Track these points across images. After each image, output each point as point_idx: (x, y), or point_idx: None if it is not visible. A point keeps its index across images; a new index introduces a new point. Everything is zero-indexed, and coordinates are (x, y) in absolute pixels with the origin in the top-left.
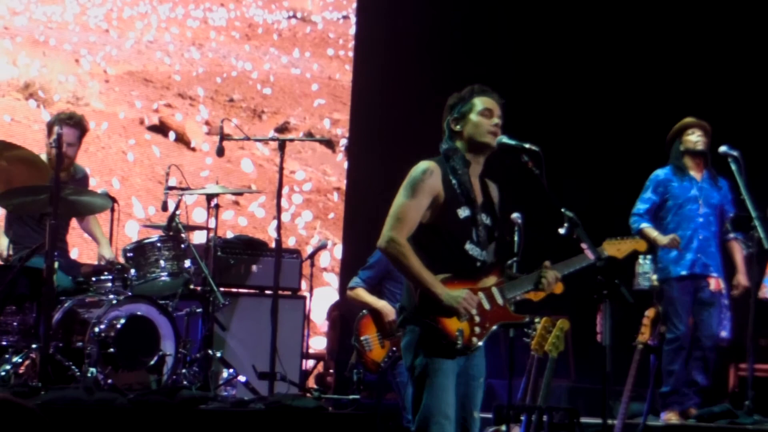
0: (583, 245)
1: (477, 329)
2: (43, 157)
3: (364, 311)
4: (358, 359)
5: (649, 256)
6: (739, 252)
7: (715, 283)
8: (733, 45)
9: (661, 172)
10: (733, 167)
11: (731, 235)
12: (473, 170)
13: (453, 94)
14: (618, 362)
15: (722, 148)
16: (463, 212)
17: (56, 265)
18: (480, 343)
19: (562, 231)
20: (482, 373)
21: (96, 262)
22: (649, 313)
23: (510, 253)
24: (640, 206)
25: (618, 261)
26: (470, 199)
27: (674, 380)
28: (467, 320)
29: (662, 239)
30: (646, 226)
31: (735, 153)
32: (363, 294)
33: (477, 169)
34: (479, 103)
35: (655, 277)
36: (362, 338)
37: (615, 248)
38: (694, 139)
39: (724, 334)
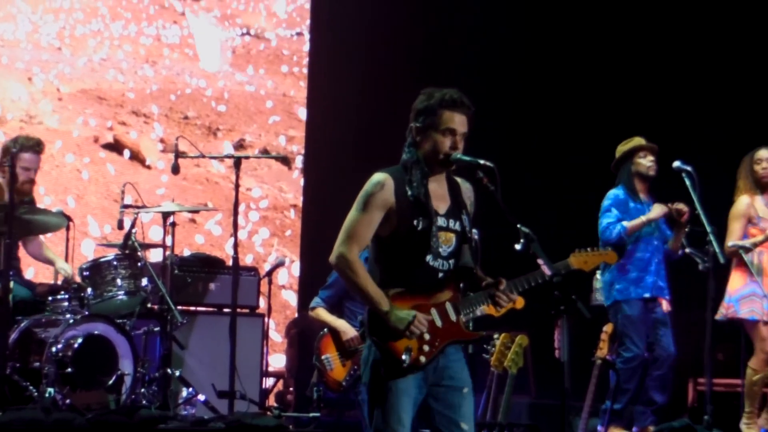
0: (540, 261)
1: (426, 347)
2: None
3: (324, 330)
4: (320, 378)
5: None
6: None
7: (666, 305)
8: (679, 58)
9: (620, 192)
10: (687, 182)
11: (687, 250)
12: (436, 179)
13: (423, 94)
14: (577, 378)
15: (676, 164)
16: (420, 224)
17: (11, 282)
18: (428, 360)
19: (518, 247)
20: (465, 383)
21: (55, 281)
22: (607, 328)
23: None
24: (609, 219)
25: (583, 275)
26: (426, 210)
27: (628, 398)
28: (416, 338)
29: (652, 213)
30: (627, 222)
31: (688, 168)
32: (323, 314)
33: (440, 176)
34: (444, 119)
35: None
36: (323, 357)
37: (582, 261)
38: (647, 163)
39: (672, 350)
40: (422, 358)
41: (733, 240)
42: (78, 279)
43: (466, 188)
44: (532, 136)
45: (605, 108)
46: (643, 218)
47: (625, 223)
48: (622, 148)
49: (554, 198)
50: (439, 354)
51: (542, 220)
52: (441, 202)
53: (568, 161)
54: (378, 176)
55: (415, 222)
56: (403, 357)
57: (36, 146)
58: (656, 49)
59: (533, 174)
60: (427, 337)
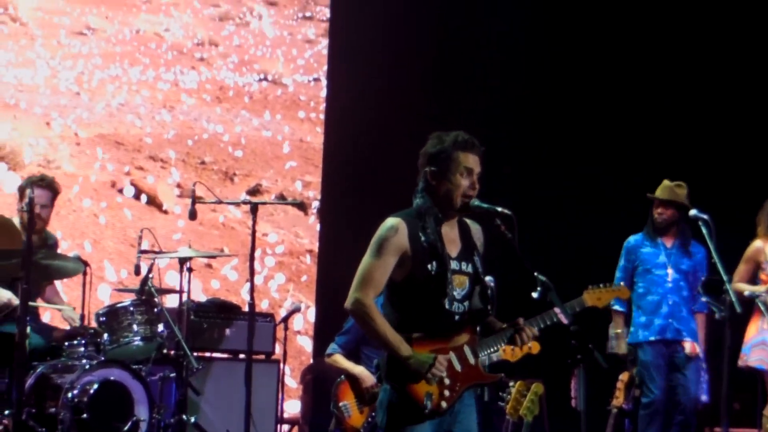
0: (557, 310)
1: (446, 392)
2: (16, 221)
3: (341, 377)
4: (337, 425)
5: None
6: (702, 326)
7: (690, 346)
8: (713, 108)
9: (632, 239)
10: (704, 230)
11: (703, 299)
12: (447, 222)
13: (433, 138)
14: (593, 426)
15: (692, 212)
16: (433, 267)
17: (28, 328)
18: (449, 406)
19: (535, 295)
20: (473, 430)
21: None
22: (623, 377)
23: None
24: (618, 275)
25: (599, 318)
26: (438, 254)
27: None
28: (436, 383)
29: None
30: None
31: (705, 216)
32: (340, 360)
33: (452, 222)
34: (460, 160)
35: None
36: (341, 404)
37: (595, 297)
38: (655, 215)
39: (704, 398)
40: (443, 404)
41: (736, 281)
42: (94, 324)
43: (475, 229)
44: (549, 167)
45: (624, 146)
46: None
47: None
48: (655, 194)
49: (568, 233)
50: (458, 398)
51: (556, 256)
52: (453, 246)
53: (581, 194)
54: (391, 221)
55: (429, 266)
56: (425, 402)
57: (40, 181)
58: (679, 92)
59: (546, 208)
60: (447, 381)
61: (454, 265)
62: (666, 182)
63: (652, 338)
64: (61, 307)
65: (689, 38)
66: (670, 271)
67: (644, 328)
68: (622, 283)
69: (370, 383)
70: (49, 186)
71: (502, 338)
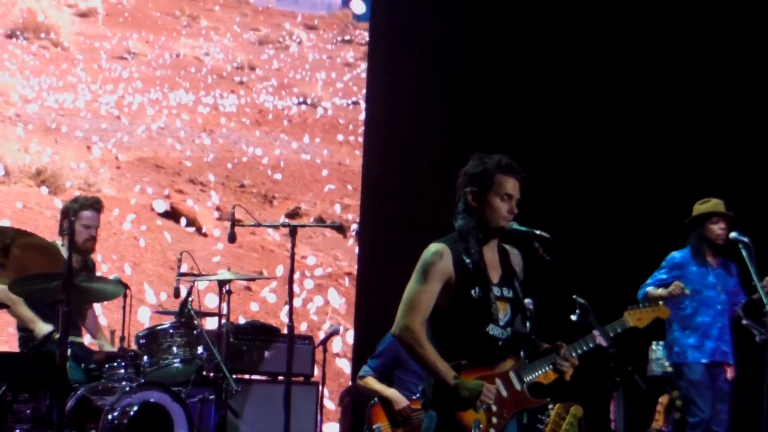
0: (596, 332)
1: (494, 419)
2: (59, 242)
3: (374, 399)
4: None
5: (662, 342)
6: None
7: (731, 372)
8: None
9: (678, 255)
10: (744, 253)
11: (744, 322)
12: (488, 247)
13: (475, 159)
14: None
15: (732, 234)
16: (476, 292)
17: (68, 353)
18: None
19: (573, 317)
20: None
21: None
22: (663, 399)
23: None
24: (648, 281)
25: (638, 339)
26: (483, 278)
27: None
28: (484, 410)
29: (666, 292)
30: (650, 289)
31: (745, 239)
32: (373, 382)
33: (493, 244)
34: (501, 184)
35: (668, 363)
36: (374, 426)
37: (636, 318)
38: (717, 231)
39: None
40: (492, 431)
41: None
42: (134, 347)
43: (514, 255)
44: (588, 188)
45: (663, 165)
46: (658, 293)
47: (648, 289)
48: (698, 208)
49: (606, 255)
50: (506, 425)
51: (594, 278)
52: (494, 271)
53: (617, 215)
54: (436, 246)
55: (472, 292)
56: (474, 430)
57: (95, 204)
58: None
59: (584, 231)
60: (494, 408)
61: (495, 290)
62: (714, 199)
63: (704, 360)
64: (99, 343)
65: (725, 57)
66: (719, 292)
67: (695, 349)
68: (661, 303)
69: (403, 405)
70: (101, 209)
71: (547, 363)
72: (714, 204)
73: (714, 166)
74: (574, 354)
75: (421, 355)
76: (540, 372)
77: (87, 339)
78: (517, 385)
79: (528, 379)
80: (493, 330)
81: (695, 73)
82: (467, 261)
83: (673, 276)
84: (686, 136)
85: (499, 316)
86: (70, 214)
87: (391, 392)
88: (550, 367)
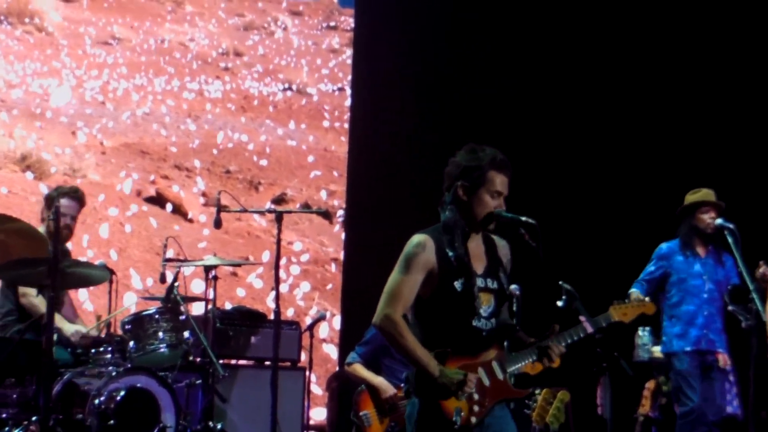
0: (582, 318)
1: (476, 407)
2: (41, 229)
3: (362, 386)
4: None
5: (648, 328)
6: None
7: (723, 359)
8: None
9: (665, 246)
10: (730, 240)
11: (730, 308)
12: (473, 238)
13: (468, 151)
14: None
15: (718, 221)
16: (460, 284)
17: (54, 338)
18: (478, 421)
19: (560, 303)
20: None
21: (98, 335)
22: (650, 385)
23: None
24: (640, 278)
25: (624, 328)
26: (466, 270)
27: None
28: (466, 398)
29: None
30: (633, 291)
31: (731, 226)
32: (360, 370)
33: (477, 236)
34: (493, 180)
35: (656, 348)
36: (361, 414)
37: (621, 313)
38: (708, 220)
39: (730, 409)
40: (473, 419)
41: None
42: (120, 332)
43: (501, 245)
44: (577, 173)
45: (646, 156)
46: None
47: (631, 291)
48: (689, 198)
49: (593, 242)
50: (488, 414)
51: (580, 265)
52: (478, 262)
53: (604, 202)
54: (418, 237)
55: (455, 284)
56: (454, 418)
57: (73, 193)
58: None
59: (570, 218)
60: (476, 397)
61: (479, 282)
62: (705, 189)
63: (687, 348)
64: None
65: (711, 47)
66: (705, 281)
67: (679, 338)
68: (647, 299)
69: (390, 394)
70: (79, 199)
71: (530, 354)
72: (704, 194)
73: (703, 155)
74: (562, 344)
75: (401, 345)
76: (524, 362)
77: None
78: (500, 375)
79: (511, 369)
80: (476, 321)
81: (685, 63)
82: (450, 254)
83: (660, 267)
84: (675, 125)
85: (483, 307)
86: (50, 202)
87: (379, 381)
88: (535, 357)
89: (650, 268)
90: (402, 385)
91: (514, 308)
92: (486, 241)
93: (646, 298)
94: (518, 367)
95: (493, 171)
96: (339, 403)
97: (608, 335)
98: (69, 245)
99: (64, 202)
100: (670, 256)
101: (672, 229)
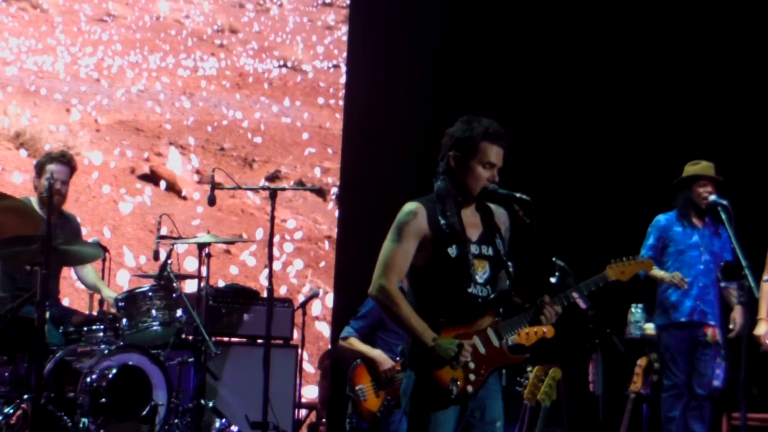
0: (575, 294)
1: (472, 376)
2: (33, 200)
3: (357, 360)
4: (354, 409)
5: (641, 305)
6: (733, 297)
7: (712, 332)
8: (733, 90)
9: (662, 218)
10: (723, 216)
11: (722, 284)
12: (468, 207)
13: (463, 122)
14: (610, 411)
15: (712, 197)
16: (453, 251)
17: (47, 315)
18: (474, 390)
19: (553, 280)
20: (499, 417)
21: (90, 311)
22: (641, 362)
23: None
24: (643, 252)
25: (618, 292)
26: (459, 237)
27: (675, 427)
28: (461, 367)
29: (668, 276)
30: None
31: (724, 202)
32: (356, 343)
33: (472, 207)
34: (485, 151)
35: (648, 325)
36: (357, 388)
37: (618, 271)
38: (703, 194)
39: (716, 383)
40: (470, 388)
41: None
42: (113, 310)
43: (500, 213)
44: (570, 148)
45: (640, 131)
46: (660, 275)
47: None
48: (688, 170)
49: (586, 218)
50: (484, 382)
51: (574, 241)
52: (473, 229)
53: (598, 178)
54: (410, 205)
55: (449, 250)
56: (450, 387)
57: (61, 157)
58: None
59: (564, 194)
60: (472, 365)
61: (473, 249)
62: (704, 162)
63: (682, 319)
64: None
65: (706, 28)
66: (702, 252)
67: (674, 309)
68: (642, 258)
69: (387, 366)
70: (69, 162)
71: (524, 319)
72: (703, 167)
73: (699, 128)
74: (557, 305)
75: (397, 314)
76: (518, 328)
77: (65, 302)
78: (496, 342)
79: (507, 335)
80: (472, 288)
81: (680, 39)
82: (442, 222)
83: (659, 238)
84: (670, 98)
85: (478, 273)
86: (40, 169)
87: (377, 353)
88: (529, 322)
89: (650, 241)
90: (398, 358)
91: (508, 280)
92: (482, 209)
93: (645, 256)
94: (514, 332)
95: (486, 142)
96: (331, 381)
97: (601, 312)
98: (78, 220)
99: (52, 167)
100: (669, 228)
101: (664, 204)
